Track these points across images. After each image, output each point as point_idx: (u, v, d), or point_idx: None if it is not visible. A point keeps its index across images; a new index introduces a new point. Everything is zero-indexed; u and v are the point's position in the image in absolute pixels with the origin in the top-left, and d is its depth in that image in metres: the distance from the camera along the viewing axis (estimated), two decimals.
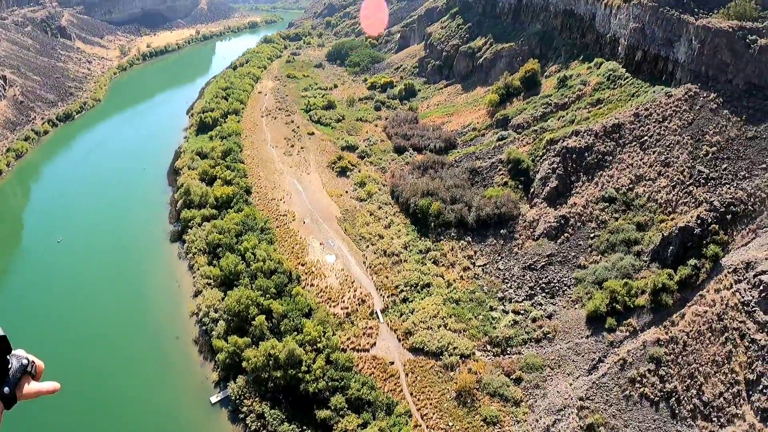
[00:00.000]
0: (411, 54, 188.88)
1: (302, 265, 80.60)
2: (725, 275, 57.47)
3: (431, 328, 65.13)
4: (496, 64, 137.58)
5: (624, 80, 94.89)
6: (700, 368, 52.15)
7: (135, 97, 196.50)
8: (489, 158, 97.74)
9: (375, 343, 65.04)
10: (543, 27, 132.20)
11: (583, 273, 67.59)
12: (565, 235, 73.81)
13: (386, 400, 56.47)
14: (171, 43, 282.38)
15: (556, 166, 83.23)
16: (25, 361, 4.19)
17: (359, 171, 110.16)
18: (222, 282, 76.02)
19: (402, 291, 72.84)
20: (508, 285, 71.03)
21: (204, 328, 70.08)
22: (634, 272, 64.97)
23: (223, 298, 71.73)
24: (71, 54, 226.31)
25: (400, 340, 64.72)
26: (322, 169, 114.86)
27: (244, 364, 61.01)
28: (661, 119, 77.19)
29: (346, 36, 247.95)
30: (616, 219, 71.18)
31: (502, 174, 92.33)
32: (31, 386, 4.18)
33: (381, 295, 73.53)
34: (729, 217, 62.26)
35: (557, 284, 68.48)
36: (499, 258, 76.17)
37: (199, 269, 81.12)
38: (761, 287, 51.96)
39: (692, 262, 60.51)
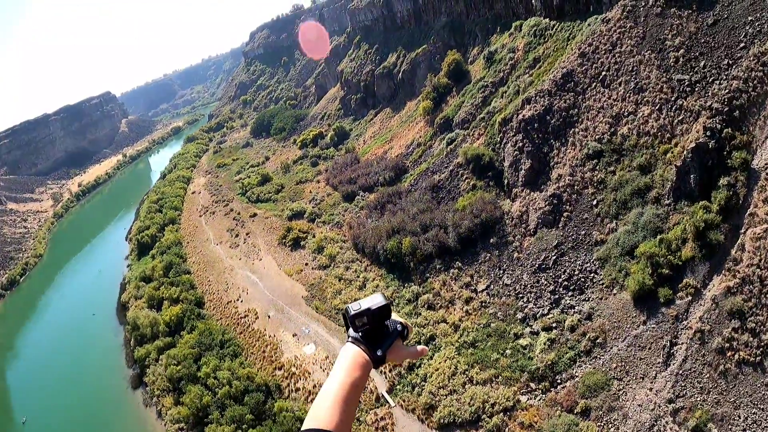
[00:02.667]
0: (330, 98, 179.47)
1: (279, 369, 66.00)
2: (766, 179, 45.39)
3: (455, 390, 50.59)
4: (416, 72, 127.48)
5: (552, 29, 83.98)
6: None
7: (77, 242, 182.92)
8: (446, 167, 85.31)
9: None
10: (448, 17, 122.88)
11: (606, 249, 54.22)
12: (565, 215, 60.74)
13: None
14: (101, 175, 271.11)
15: (521, 144, 70.87)
16: (399, 327, 4.45)
17: (314, 236, 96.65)
18: (194, 423, 60.85)
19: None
20: (525, 300, 57.10)
21: None
22: (662, 223, 51.98)
23: None
24: (5, 218, 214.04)
25: (423, 421, 49.66)
26: (274, 248, 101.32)
27: None
28: (610, 47, 65.71)
29: (265, 107, 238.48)
30: (614, 173, 58.47)
31: (466, 178, 79.66)
32: (402, 349, 4.41)
33: (381, 372, 59.01)
34: (736, 114, 50.19)
35: (581, 275, 54.83)
36: (502, 272, 62.54)
37: (166, 414, 65.84)
38: None
39: (723, 181, 48.02)
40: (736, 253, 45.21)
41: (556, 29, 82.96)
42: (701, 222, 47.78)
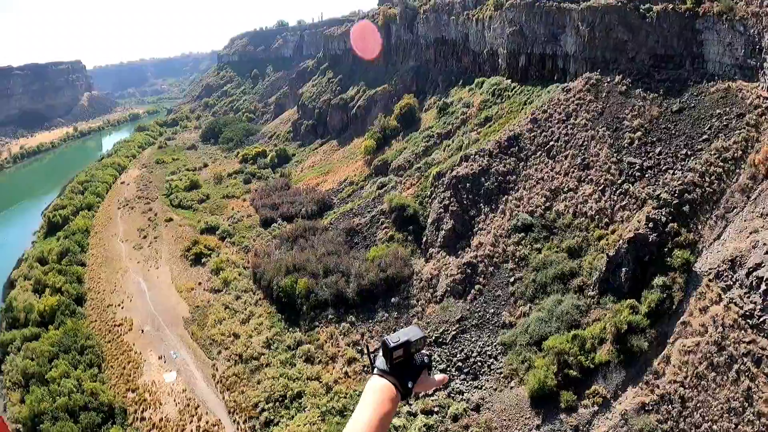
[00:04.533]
0: (285, 119, 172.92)
1: (132, 391, 56.65)
2: (707, 285, 39.65)
3: None
4: (371, 110, 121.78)
5: (512, 91, 79.68)
6: (715, 426, 33.02)
7: None
8: (369, 212, 78.22)
9: None
10: (416, 62, 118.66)
11: (512, 334, 47.19)
12: (476, 287, 53.80)
13: None
14: (46, 142, 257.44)
15: (447, 202, 64.41)
16: (426, 359, 4.40)
17: (218, 256, 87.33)
18: (31, 428, 51.16)
19: (263, 411, 49.52)
20: None
21: None
22: (581, 316, 45.63)
23: None
24: None
25: None
26: (175, 260, 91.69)
27: None
28: (564, 117, 60.94)
29: (224, 114, 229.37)
30: (539, 251, 52.17)
31: (385, 228, 72.56)
32: (427, 380, 4.34)
33: (235, 420, 50.00)
34: (686, 208, 45.05)
35: (479, 358, 47.45)
36: None
37: (8, 411, 55.87)
38: (763, 286, 34.50)
39: (659, 280, 42.26)
40: (658, 364, 39.11)
41: (516, 92, 78.61)
42: (624, 323, 41.63)
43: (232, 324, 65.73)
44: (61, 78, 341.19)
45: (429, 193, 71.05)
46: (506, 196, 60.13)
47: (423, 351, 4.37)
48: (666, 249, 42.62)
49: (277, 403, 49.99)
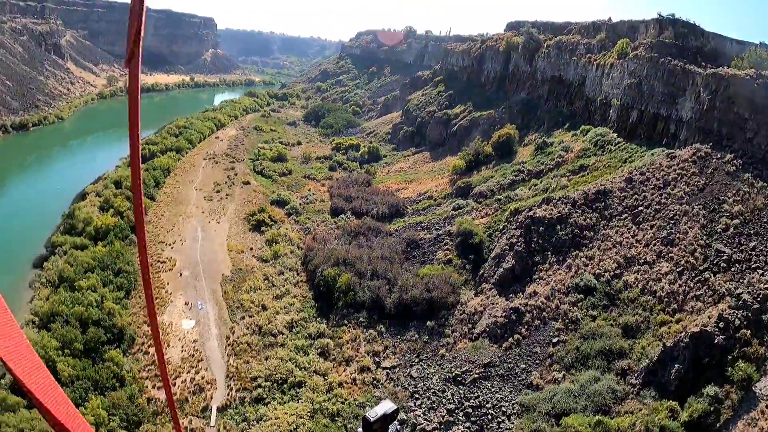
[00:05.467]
0: (387, 121, 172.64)
1: (148, 325, 56.51)
2: (762, 412, 33.89)
3: None
4: (471, 132, 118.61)
5: (615, 145, 74.11)
6: None
7: (102, 126, 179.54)
8: (436, 230, 75.15)
9: None
10: (528, 95, 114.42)
11: (534, 397, 42.74)
12: (516, 337, 49.57)
13: None
14: (161, 83, 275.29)
15: (515, 241, 60.31)
16: (399, 427, 5.14)
17: (278, 228, 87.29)
18: (46, 323, 52.55)
19: (259, 387, 47.82)
20: (418, 402, 45.68)
21: None
22: (614, 402, 40.34)
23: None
24: (57, 71, 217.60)
25: None
26: (237, 220, 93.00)
27: None
28: (662, 185, 55.28)
29: (333, 102, 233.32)
30: (594, 318, 47.24)
31: (446, 249, 69.22)
32: None
33: (229, 385, 48.70)
34: (766, 317, 38.80)
35: (491, 411, 43.26)
36: (417, 360, 51.35)
37: (33, 302, 58.76)
38: None
39: (710, 390, 36.16)
40: None
41: (619, 147, 73.09)
42: (658, 426, 36.14)
43: (265, 296, 64.86)
44: (191, 30, 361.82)
45: (501, 227, 67.18)
46: (577, 251, 55.34)
47: (396, 421, 5.06)
48: (730, 357, 36.81)
49: (275, 385, 48.09)
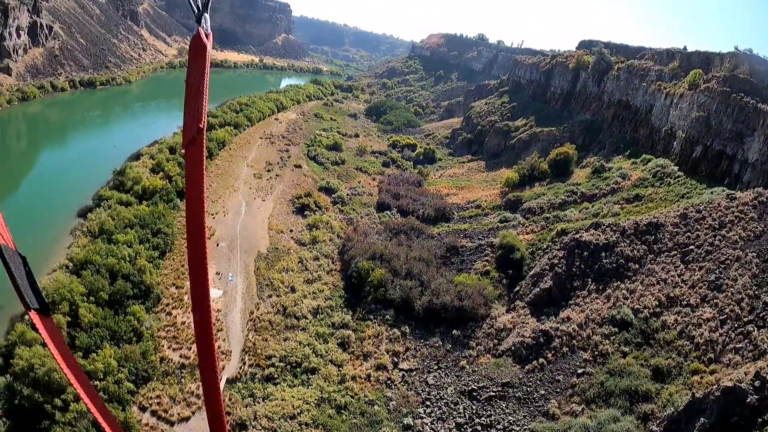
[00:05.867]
0: (447, 125, 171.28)
1: (177, 287, 58.07)
2: None
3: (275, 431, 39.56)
4: (530, 146, 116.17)
5: (674, 179, 70.84)
6: None
7: (167, 94, 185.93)
8: (478, 239, 73.72)
9: (189, 419, 40.09)
10: (592, 116, 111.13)
11: (548, 427, 40.98)
12: (541, 360, 47.85)
13: None
14: (230, 60, 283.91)
15: (557, 262, 58.35)
16: None
17: (321, 215, 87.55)
18: (78, 269, 54.04)
19: (272, 366, 47.84)
20: (428, 410, 44.68)
21: None
22: None
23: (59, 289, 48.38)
24: (130, 36, 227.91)
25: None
26: (283, 201, 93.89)
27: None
28: (717, 226, 52.21)
29: (397, 100, 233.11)
30: (624, 355, 45.03)
31: (486, 260, 67.76)
32: None
33: (243, 359, 49.01)
34: None
35: None
36: (436, 367, 50.30)
37: (71, 249, 60.65)
38: None
39: None
40: None
41: (678, 181, 69.86)
42: None
43: (296, 278, 65.03)
44: (266, 13, 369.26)
45: (545, 246, 65.28)
46: (619, 282, 52.96)
47: None
48: (760, 420, 34.22)
49: (289, 367, 47.98)
